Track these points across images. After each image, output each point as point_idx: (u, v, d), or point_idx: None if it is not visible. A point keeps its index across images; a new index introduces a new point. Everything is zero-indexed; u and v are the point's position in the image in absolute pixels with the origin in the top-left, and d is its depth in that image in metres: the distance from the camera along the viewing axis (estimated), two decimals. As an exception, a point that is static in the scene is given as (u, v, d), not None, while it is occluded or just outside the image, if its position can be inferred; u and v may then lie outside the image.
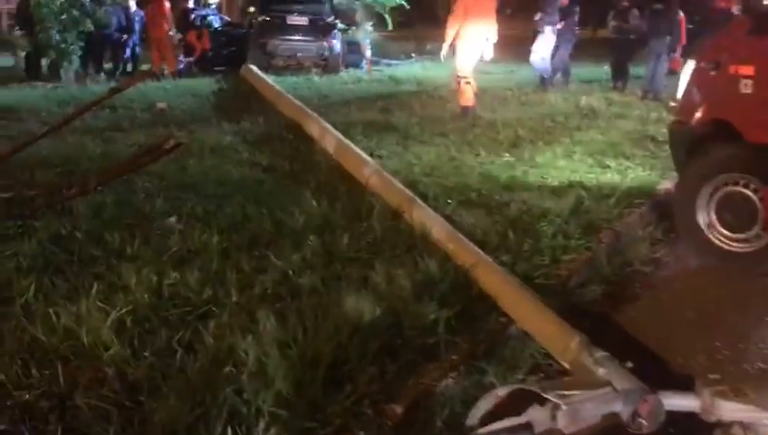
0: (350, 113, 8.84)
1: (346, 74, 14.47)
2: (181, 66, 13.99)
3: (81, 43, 12.25)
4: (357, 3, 15.46)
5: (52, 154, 5.79)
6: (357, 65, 16.09)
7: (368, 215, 4.21)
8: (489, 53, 8.46)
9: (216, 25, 15.39)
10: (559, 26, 11.44)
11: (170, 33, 13.41)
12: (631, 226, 4.48)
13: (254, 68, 12.50)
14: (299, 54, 14.19)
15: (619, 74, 12.15)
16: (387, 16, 15.78)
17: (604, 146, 6.55)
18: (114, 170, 4.60)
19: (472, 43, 8.13)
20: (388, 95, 10.89)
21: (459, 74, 8.31)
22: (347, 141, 6.07)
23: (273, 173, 5.52)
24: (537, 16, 11.67)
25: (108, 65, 14.19)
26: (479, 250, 3.44)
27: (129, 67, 14.50)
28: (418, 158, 6.14)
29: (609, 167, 5.79)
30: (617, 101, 9.91)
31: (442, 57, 8.64)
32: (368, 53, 15.18)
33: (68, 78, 11.95)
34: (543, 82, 11.65)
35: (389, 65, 17.45)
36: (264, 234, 3.89)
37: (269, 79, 11.33)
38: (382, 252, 3.60)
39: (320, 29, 14.40)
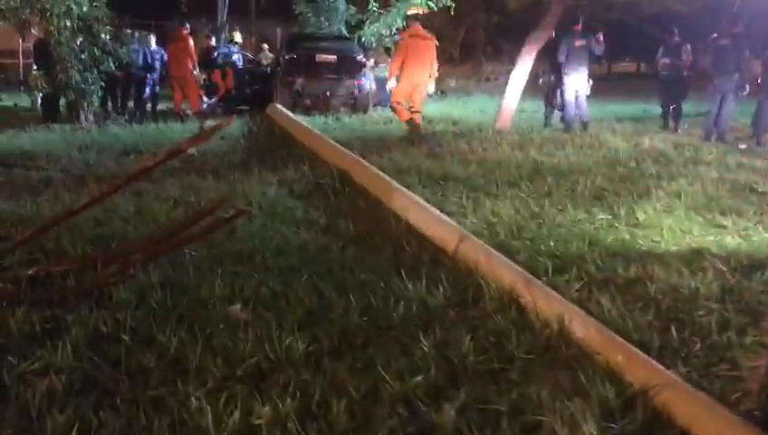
0: (395, 158, 8.08)
1: (376, 114, 13.77)
2: (204, 106, 13.33)
3: (102, 84, 11.63)
4: (387, 39, 14.80)
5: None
6: (386, 104, 15.43)
7: (475, 298, 3.41)
8: (431, 88, 10.22)
9: (240, 64, 14.77)
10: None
11: (194, 72, 12.77)
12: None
13: (282, 108, 11.94)
14: (327, 93, 13.52)
15: (673, 114, 11.41)
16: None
17: (703, 199, 5.74)
18: (163, 244, 3.82)
19: (408, 79, 9.77)
20: (427, 137, 10.12)
21: (393, 99, 10.03)
22: (413, 196, 5.31)
23: (336, 237, 4.72)
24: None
25: (130, 104, 13.57)
26: (657, 364, 2.61)
27: (149, 107, 13.88)
28: (496, 215, 5.34)
29: (724, 227, 4.97)
30: (682, 144, 9.12)
31: (388, 88, 10.18)
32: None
33: (88, 120, 11.28)
34: (567, 122, 10.85)
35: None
36: (354, 328, 3.08)
37: (301, 120, 10.75)
38: (516, 358, 2.78)
39: (349, 67, 13.73)
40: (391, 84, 10.02)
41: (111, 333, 2.98)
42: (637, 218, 5.15)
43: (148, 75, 13.19)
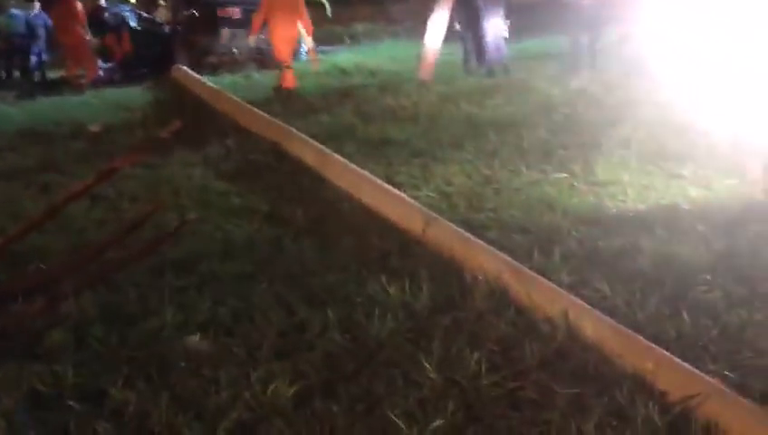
0: (321, 120, 7.60)
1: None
2: (101, 74, 12.25)
3: None
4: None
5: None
6: (296, 56, 14.68)
7: (462, 295, 3.08)
8: (309, 43, 10.51)
9: (134, 24, 13.62)
10: None
11: (87, 37, 11.63)
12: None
13: (188, 70, 11.09)
14: (234, 50, 12.67)
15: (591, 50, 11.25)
16: (325, 2, 14.34)
17: (652, 145, 5.58)
18: (95, 268, 3.26)
19: (281, 35, 9.71)
20: (349, 92, 9.59)
21: (278, 57, 9.99)
22: (362, 172, 4.91)
23: (285, 227, 4.26)
24: None
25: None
26: (688, 366, 2.36)
27: (37, 77, 12.68)
28: (449, 183, 5.01)
29: (683, 177, 4.83)
30: (609, 84, 8.96)
31: (252, 42, 10.36)
32: (308, 41, 13.73)
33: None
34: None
35: (325, 53, 16.10)
36: (339, 352, 2.69)
37: (210, 82, 9.98)
38: (530, 371, 2.48)
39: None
40: (252, 41, 10.29)
41: (51, 392, 2.47)
42: (594, 175, 4.94)
43: (32, 44, 11.94)
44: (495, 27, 10.41)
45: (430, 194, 4.76)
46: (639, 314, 2.81)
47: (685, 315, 2.78)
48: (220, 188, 5.16)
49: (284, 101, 8.88)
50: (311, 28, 10.05)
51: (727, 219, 3.92)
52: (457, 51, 11.64)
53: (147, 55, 13.14)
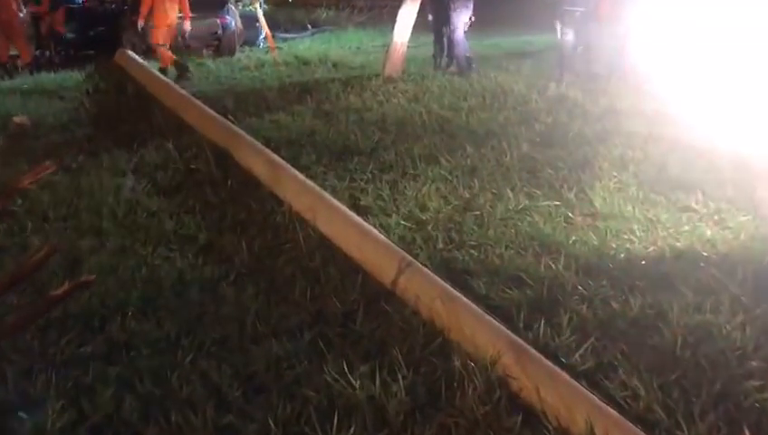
0: (279, 120, 6.78)
1: (244, 56, 12.09)
2: (37, 54, 11.17)
3: None
4: (249, -33, 13.00)
5: None
6: (253, 43, 13.76)
7: (449, 389, 2.35)
8: (187, 27, 10.41)
9: (78, 1, 12.51)
10: None
11: (21, 14, 10.53)
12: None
13: (134, 55, 10.10)
14: (186, 35, 11.68)
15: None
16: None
17: (651, 168, 4.93)
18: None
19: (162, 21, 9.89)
20: (308, 86, 8.76)
21: (153, 41, 10.08)
22: (320, 191, 4.15)
23: (223, 262, 3.48)
24: None
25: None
26: None
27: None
28: (423, 207, 4.28)
29: (693, 210, 4.18)
30: (590, 89, 8.32)
31: (139, 26, 10.20)
32: (266, 28, 12.81)
33: None
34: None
35: (285, 40, 15.21)
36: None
37: (155, 71, 9.05)
38: None
39: (210, 3, 11.89)
40: (140, 24, 10.19)
41: None
42: (592, 204, 4.26)
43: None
44: (465, 19, 9.69)
45: (402, 223, 4.01)
46: (688, 429, 2.12)
47: (746, 431, 2.10)
48: (152, 207, 4.33)
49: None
50: (188, 15, 10.33)
51: (756, 273, 3.27)
52: (428, 43, 10.89)
53: (90, 36, 12.07)
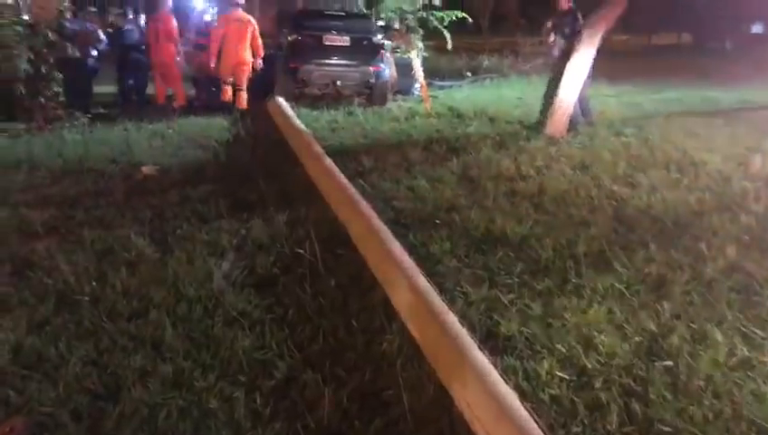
0: (417, 186, 5.79)
1: (396, 106, 11.34)
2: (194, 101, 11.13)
3: (59, 74, 9.33)
4: (409, 17, 12.26)
5: None
6: (408, 91, 13.04)
7: None
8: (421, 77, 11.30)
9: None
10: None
11: (177, 58, 10.48)
12: None
13: (284, 103, 9.63)
14: (338, 83, 11.16)
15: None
16: (446, 32, 12.57)
17: None
18: None
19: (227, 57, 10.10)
20: (457, 143, 7.74)
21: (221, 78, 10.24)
22: (446, 311, 3.04)
23: (301, 419, 2.47)
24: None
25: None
26: None
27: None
28: (587, 343, 3.05)
29: None
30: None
31: (212, 64, 10.14)
32: (420, 77, 12.00)
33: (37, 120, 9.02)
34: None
35: (442, 88, 14.41)
36: None
37: (298, 121, 8.43)
38: None
39: (364, 51, 11.29)
40: (212, 64, 10.24)
41: None
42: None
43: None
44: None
45: (558, 374, 2.79)
46: None
47: None
48: (236, 308, 3.44)
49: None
50: (261, 53, 10.45)
51: None
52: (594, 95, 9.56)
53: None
